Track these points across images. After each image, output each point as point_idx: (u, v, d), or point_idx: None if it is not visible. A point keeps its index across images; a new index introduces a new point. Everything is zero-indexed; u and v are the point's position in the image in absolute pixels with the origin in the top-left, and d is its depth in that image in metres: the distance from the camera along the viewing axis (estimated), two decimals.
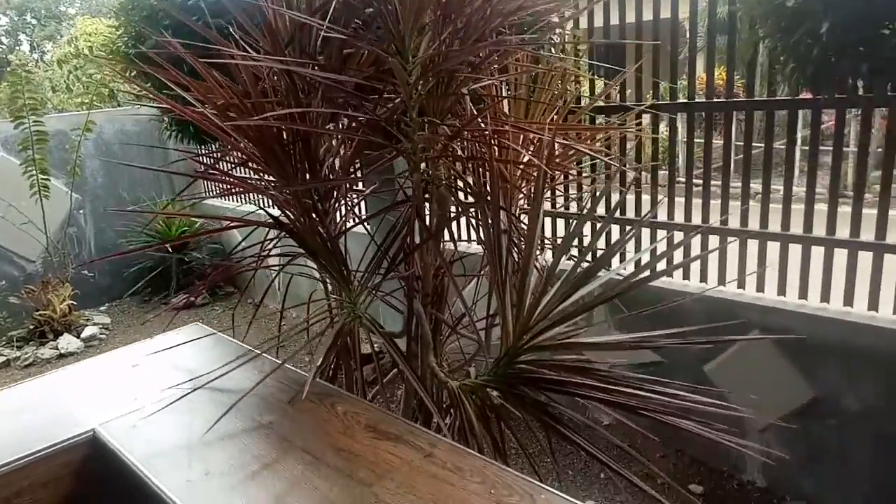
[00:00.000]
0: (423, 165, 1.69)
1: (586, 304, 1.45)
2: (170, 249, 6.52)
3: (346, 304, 1.73)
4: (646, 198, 3.79)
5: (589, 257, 2.70)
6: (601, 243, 3.51)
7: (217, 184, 5.77)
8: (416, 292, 1.79)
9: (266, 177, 1.81)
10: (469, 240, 3.77)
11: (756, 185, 3.29)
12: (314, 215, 1.73)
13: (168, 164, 6.51)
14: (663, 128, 3.68)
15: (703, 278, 3.53)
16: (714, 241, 3.49)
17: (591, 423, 1.84)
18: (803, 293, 3.15)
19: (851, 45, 2.12)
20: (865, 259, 2.92)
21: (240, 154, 1.81)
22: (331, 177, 1.75)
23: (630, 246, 3.84)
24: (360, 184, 3.24)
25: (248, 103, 1.64)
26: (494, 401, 1.57)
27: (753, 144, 3.23)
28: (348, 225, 1.81)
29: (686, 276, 3.61)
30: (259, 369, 1.63)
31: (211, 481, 1.22)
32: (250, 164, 1.79)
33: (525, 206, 1.82)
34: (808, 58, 2.15)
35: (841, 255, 3.00)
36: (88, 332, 6.05)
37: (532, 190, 1.81)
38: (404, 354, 1.73)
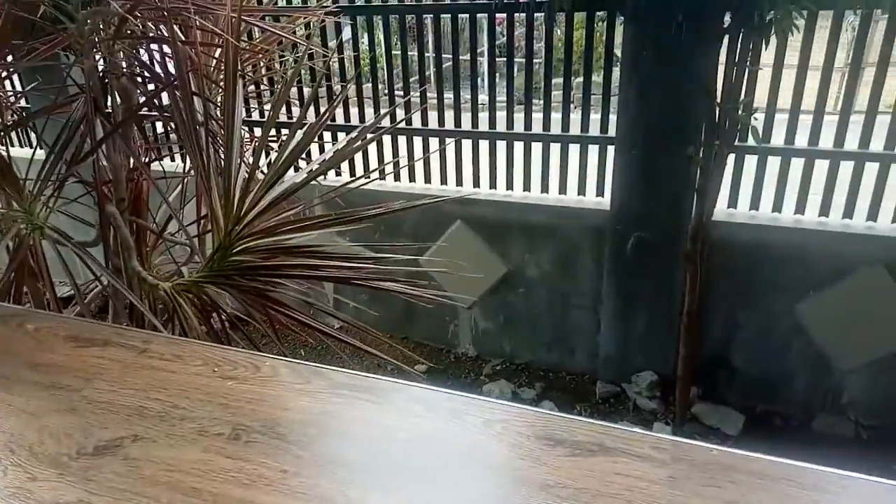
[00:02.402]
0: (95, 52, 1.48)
1: (288, 190, 1.47)
2: None
3: (19, 215, 1.47)
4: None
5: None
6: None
7: None
8: (109, 198, 1.60)
9: None
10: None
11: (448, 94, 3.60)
12: None
13: None
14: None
15: (412, 178, 3.81)
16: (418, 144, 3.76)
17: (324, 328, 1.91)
18: (493, 184, 3.62)
19: None
20: (536, 150, 3.44)
21: None
22: None
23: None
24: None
25: None
26: (212, 295, 1.53)
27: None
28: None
29: (398, 177, 3.87)
30: None
31: None
32: None
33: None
34: None
35: (519, 148, 3.48)
36: None
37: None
38: (102, 264, 1.57)
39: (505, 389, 3.45)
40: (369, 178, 3.78)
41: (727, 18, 2.61)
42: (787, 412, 3.19)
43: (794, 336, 3.07)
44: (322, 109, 3.84)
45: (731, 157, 2.94)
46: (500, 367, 3.70)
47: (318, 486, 0.83)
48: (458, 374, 3.71)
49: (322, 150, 3.08)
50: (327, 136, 3.84)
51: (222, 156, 1.66)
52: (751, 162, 3.00)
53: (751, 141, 2.84)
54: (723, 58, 2.69)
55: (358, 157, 4.04)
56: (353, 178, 3.57)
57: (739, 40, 2.63)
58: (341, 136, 3.67)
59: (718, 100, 2.72)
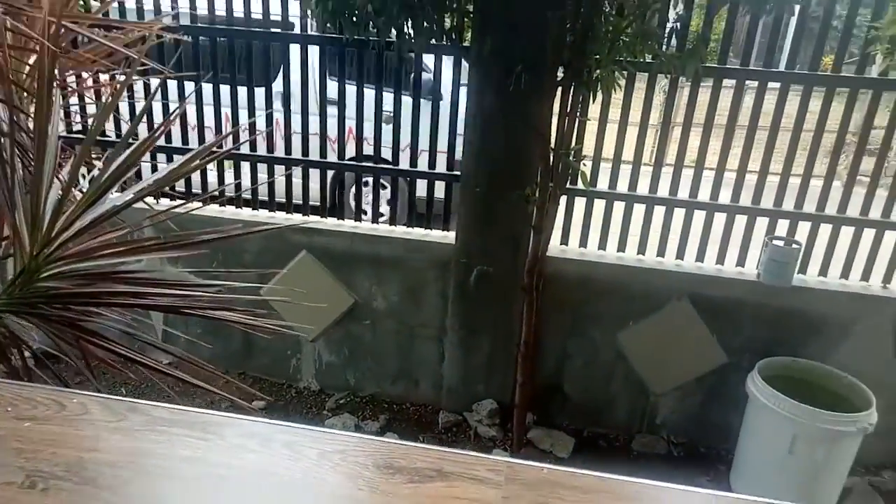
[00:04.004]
0: None
1: (111, 210, 1.34)
2: None
3: None
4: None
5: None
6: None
7: None
8: None
9: None
10: None
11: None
12: None
13: None
14: None
15: (255, 206, 3.67)
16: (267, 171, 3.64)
17: (150, 362, 1.74)
18: (340, 215, 3.59)
19: None
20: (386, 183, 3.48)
21: None
22: None
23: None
24: None
25: None
26: (11, 326, 1.33)
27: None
28: None
29: (240, 205, 3.70)
30: None
31: None
32: None
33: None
34: None
35: (369, 181, 3.50)
36: None
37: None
38: None
39: (348, 423, 3.37)
40: (206, 202, 3.58)
41: (560, 73, 2.85)
42: (611, 433, 3.45)
43: (616, 363, 3.35)
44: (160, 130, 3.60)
45: (564, 199, 3.18)
46: (343, 401, 3.62)
47: None
48: (300, 410, 3.57)
49: (155, 171, 2.87)
50: (164, 159, 3.60)
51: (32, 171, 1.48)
52: (580, 203, 3.28)
53: (580, 185, 3.10)
54: (557, 108, 2.93)
55: (197, 182, 3.83)
56: (187, 200, 3.36)
57: (571, 93, 2.88)
58: (179, 158, 3.45)
59: (552, 145, 2.95)
